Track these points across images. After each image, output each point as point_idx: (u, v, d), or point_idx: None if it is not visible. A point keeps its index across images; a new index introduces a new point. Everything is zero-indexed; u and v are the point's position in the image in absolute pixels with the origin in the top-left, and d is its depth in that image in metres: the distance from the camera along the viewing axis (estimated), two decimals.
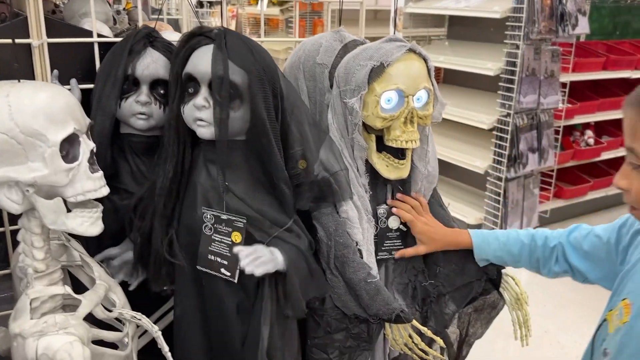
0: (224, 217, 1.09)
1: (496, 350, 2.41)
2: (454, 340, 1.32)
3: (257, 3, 5.32)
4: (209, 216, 1.10)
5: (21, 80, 0.91)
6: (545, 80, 3.49)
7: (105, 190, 0.96)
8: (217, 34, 1.07)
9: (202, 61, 1.06)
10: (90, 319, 0.99)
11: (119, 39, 1.24)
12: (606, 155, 4.00)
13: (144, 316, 1.03)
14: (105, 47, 1.28)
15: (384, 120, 1.16)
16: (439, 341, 1.22)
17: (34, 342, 0.87)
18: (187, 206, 1.14)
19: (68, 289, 0.95)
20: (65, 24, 1.44)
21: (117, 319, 1.07)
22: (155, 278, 1.16)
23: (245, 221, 1.07)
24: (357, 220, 1.17)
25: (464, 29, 4.02)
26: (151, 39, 1.21)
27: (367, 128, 1.22)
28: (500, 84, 3.35)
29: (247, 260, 1.02)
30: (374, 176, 1.26)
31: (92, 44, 1.28)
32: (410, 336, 1.18)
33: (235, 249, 1.05)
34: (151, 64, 1.19)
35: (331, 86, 1.31)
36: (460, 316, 1.34)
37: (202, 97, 1.07)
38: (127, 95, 1.20)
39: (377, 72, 1.15)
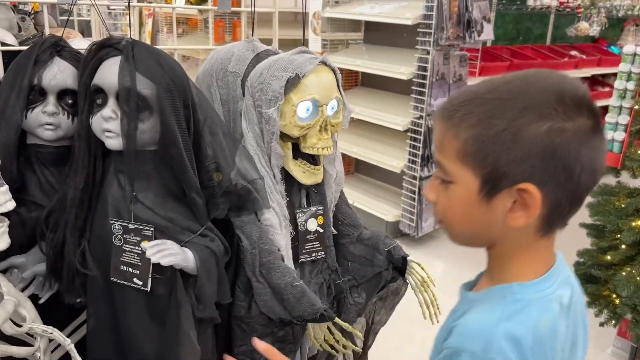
0: (132, 226, 1.09)
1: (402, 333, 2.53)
2: (361, 330, 1.39)
3: (172, 1, 5.20)
4: (117, 227, 1.10)
5: None
6: (454, 84, 3.67)
7: (11, 205, 0.94)
8: (125, 45, 1.07)
9: (109, 73, 1.06)
10: None
11: (24, 48, 1.21)
12: None
13: (55, 329, 1.01)
14: (9, 56, 1.23)
15: (301, 129, 1.20)
16: (358, 334, 1.28)
17: None
18: (99, 217, 1.13)
19: None
20: None
21: (28, 333, 1.05)
22: (69, 289, 1.14)
23: (152, 229, 1.07)
24: (278, 227, 1.21)
25: (379, 34, 4.15)
26: (58, 48, 1.18)
27: (282, 136, 1.25)
28: (413, 87, 3.49)
29: (153, 250, 1.02)
30: (289, 183, 1.30)
31: None
32: (331, 332, 1.23)
33: (142, 244, 1.05)
34: (58, 74, 1.16)
35: (243, 94, 1.34)
36: (366, 306, 1.42)
37: (110, 109, 1.07)
38: (33, 105, 1.16)
39: (292, 83, 1.18)
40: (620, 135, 2.63)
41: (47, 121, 1.17)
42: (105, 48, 1.08)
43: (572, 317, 0.86)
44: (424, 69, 3.43)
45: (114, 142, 1.08)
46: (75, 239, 1.11)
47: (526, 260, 0.83)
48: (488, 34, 3.67)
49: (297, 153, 1.26)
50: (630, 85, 2.60)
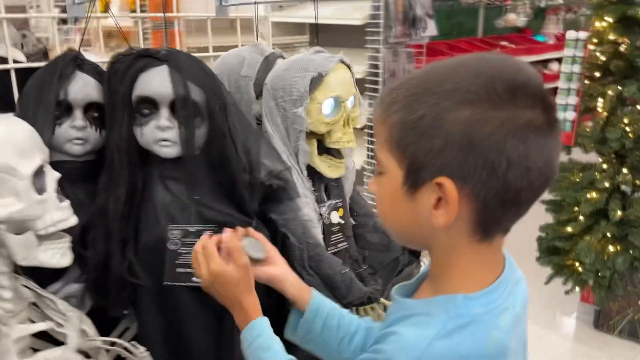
0: (193, 229, 1.11)
1: None
2: None
3: (105, 11, 5.04)
4: (175, 232, 1.11)
5: None
6: None
7: (74, 220, 0.93)
8: (167, 55, 1.08)
9: (158, 83, 1.07)
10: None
11: (40, 64, 1.19)
12: None
13: (124, 342, 1.01)
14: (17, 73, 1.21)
15: (327, 125, 1.26)
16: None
17: None
18: (146, 226, 1.13)
19: (50, 324, 0.91)
20: None
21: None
22: (117, 303, 1.13)
23: (213, 229, 1.10)
24: (316, 221, 1.25)
25: (326, 36, 4.22)
26: (78, 61, 1.18)
27: (307, 134, 1.30)
28: (366, 85, 3.60)
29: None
30: (312, 178, 1.35)
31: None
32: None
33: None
34: (83, 87, 1.15)
35: (256, 97, 1.38)
36: (384, 292, 1.49)
37: (164, 118, 1.08)
38: (59, 121, 1.15)
39: (316, 82, 1.23)
40: (570, 114, 2.84)
41: (76, 135, 1.15)
42: (142, 58, 1.09)
43: (523, 322, 0.79)
44: (376, 67, 3.54)
45: (169, 151, 1.09)
46: (120, 252, 1.11)
47: (468, 268, 0.74)
48: (432, 30, 3.84)
49: (322, 149, 1.31)
50: (576, 68, 2.82)
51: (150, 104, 1.10)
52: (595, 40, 2.69)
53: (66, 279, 1.19)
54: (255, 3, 1.50)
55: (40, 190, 0.88)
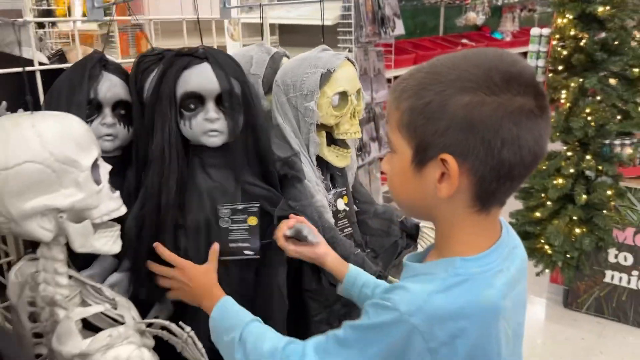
0: (240, 207, 1.21)
1: None
2: None
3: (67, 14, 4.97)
4: (224, 210, 1.20)
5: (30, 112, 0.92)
6: (375, 77, 3.94)
7: (124, 209, 1.00)
8: (204, 52, 1.17)
9: (203, 78, 1.16)
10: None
11: (65, 66, 1.24)
12: None
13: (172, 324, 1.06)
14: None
15: (336, 118, 1.35)
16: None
17: (102, 356, 0.89)
18: (192, 211, 1.21)
19: (107, 306, 0.98)
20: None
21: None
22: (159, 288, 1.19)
23: (259, 205, 1.21)
24: (328, 207, 1.34)
25: (296, 37, 4.32)
26: (104, 62, 1.24)
27: (317, 126, 1.39)
28: None
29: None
30: (320, 168, 1.45)
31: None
32: None
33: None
34: (111, 87, 1.22)
35: (265, 94, 1.46)
36: (384, 274, 1.60)
37: (213, 111, 1.17)
38: (90, 119, 1.21)
39: (325, 77, 1.33)
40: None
41: (106, 132, 1.21)
42: (182, 57, 1.16)
43: (520, 284, 0.88)
44: None
45: (216, 140, 1.19)
46: (173, 238, 1.18)
47: (466, 236, 0.83)
48: (400, 29, 3.99)
49: (330, 140, 1.40)
50: (541, 63, 3.00)
51: (197, 99, 1.17)
52: (557, 36, 2.87)
53: (99, 268, 1.25)
54: (260, 5, 1.58)
55: (97, 181, 0.94)
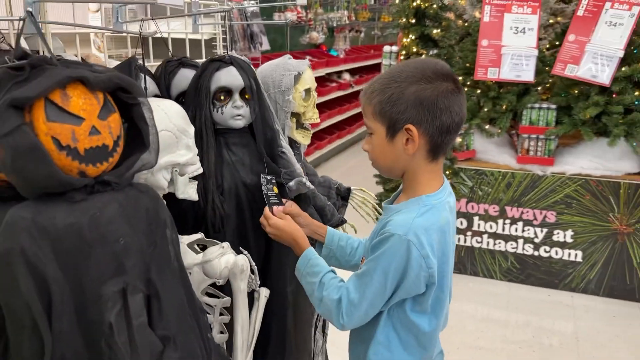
0: (269, 177, 1.56)
1: None
2: None
3: None
4: (263, 180, 1.54)
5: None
6: None
7: (202, 169, 1.38)
8: (230, 58, 1.57)
9: (231, 77, 1.54)
10: None
11: None
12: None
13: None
14: None
15: (304, 107, 1.84)
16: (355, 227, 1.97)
17: (218, 261, 1.27)
18: (224, 179, 1.55)
19: (202, 235, 1.35)
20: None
21: None
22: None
23: (276, 178, 1.58)
24: (303, 173, 1.82)
25: (165, 50, 4.59)
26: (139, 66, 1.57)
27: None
28: None
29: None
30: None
31: None
32: None
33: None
34: (149, 86, 1.56)
35: None
36: None
37: (239, 100, 1.55)
38: None
39: (297, 78, 1.81)
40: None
41: None
42: (214, 62, 1.55)
43: (454, 215, 1.31)
44: None
45: (241, 123, 1.57)
46: (219, 195, 1.54)
47: (425, 180, 1.25)
48: (266, 45, 4.51)
49: (297, 124, 1.89)
50: None
51: (226, 92, 1.56)
52: (404, 52, 3.65)
53: None
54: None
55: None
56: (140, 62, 1.62)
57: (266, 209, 1.49)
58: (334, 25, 6.43)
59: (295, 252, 1.45)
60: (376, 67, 7.30)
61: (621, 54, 3.23)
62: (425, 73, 1.18)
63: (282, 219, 1.46)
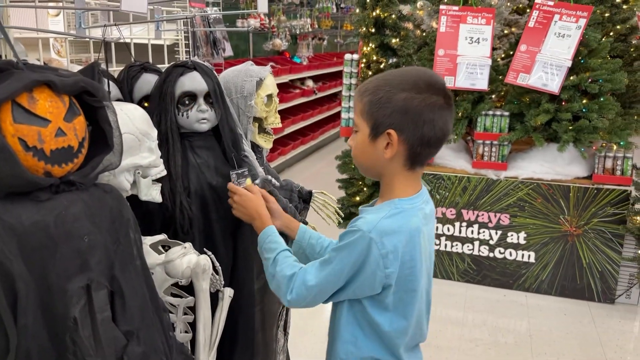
0: (240, 171, 1.61)
1: None
2: None
3: None
4: (234, 175, 1.59)
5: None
6: None
7: (164, 173, 1.42)
8: (194, 64, 1.61)
9: (195, 82, 1.58)
10: None
11: None
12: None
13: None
14: None
15: (266, 112, 1.90)
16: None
17: (180, 261, 1.31)
18: (189, 180, 1.59)
19: (165, 236, 1.39)
20: None
21: None
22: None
23: (248, 170, 1.65)
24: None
25: (125, 55, 4.57)
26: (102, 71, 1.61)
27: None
28: None
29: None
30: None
31: None
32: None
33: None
34: (112, 90, 1.59)
35: None
36: None
37: (203, 104, 1.59)
38: None
39: (258, 83, 1.87)
40: (351, 114, 3.84)
41: None
42: (178, 67, 1.59)
43: (431, 223, 1.29)
44: None
45: (206, 126, 1.61)
46: (186, 197, 1.57)
47: (401, 186, 1.24)
48: (229, 50, 4.55)
49: (260, 129, 1.94)
50: (353, 80, 3.85)
51: (191, 97, 1.59)
52: (364, 60, 3.74)
53: None
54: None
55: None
56: (103, 66, 1.65)
57: (230, 183, 1.57)
58: (297, 32, 6.51)
59: (256, 227, 1.49)
60: (339, 74, 7.40)
61: (569, 63, 3.40)
62: (418, 83, 1.20)
63: (252, 193, 1.52)
